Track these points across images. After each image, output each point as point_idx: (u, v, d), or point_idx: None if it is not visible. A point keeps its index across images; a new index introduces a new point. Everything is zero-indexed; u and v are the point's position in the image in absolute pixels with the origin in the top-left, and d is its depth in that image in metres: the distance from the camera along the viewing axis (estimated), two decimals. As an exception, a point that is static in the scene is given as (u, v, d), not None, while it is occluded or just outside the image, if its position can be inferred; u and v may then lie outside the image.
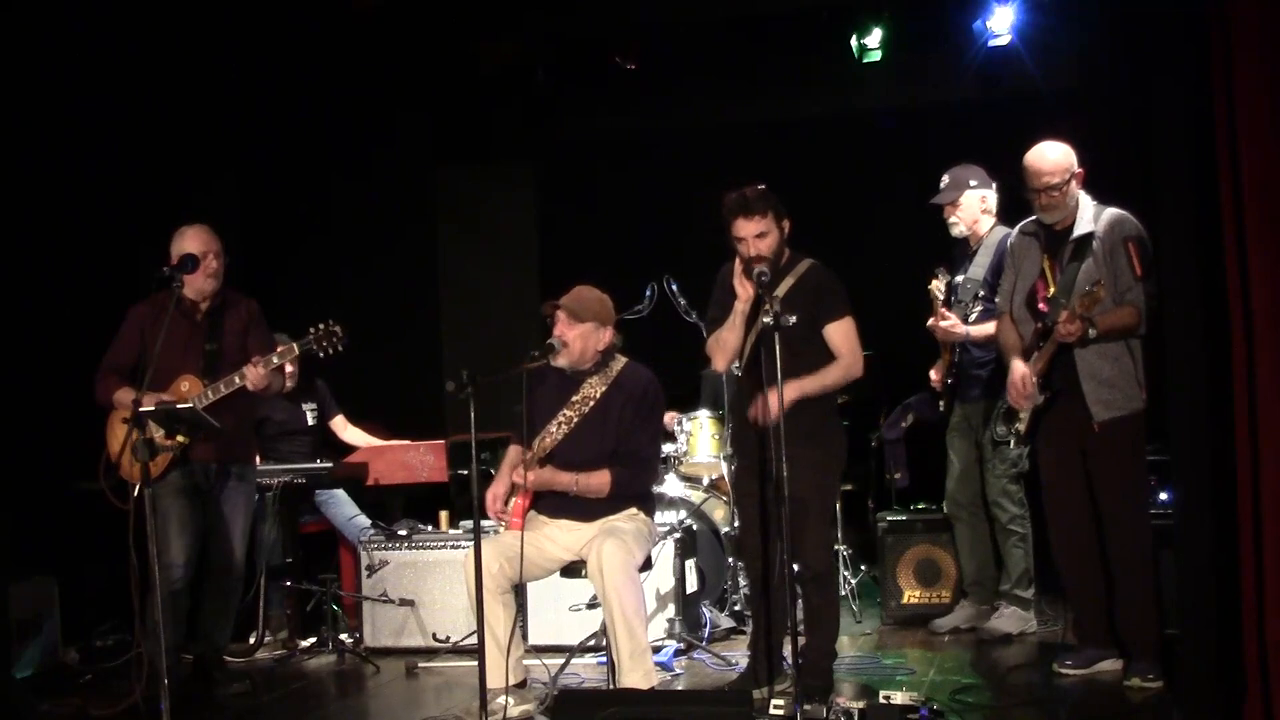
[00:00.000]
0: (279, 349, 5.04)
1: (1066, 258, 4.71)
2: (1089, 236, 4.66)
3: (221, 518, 5.14)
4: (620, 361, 4.78)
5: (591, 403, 4.68)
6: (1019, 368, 4.77)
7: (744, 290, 4.47)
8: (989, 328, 5.32)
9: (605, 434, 4.64)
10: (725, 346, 4.62)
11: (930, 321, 5.52)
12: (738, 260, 4.49)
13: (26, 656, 5.57)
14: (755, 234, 4.46)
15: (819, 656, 4.58)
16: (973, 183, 5.54)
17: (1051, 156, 4.72)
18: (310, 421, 6.50)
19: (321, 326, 5.05)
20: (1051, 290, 4.74)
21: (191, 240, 5.08)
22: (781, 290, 4.50)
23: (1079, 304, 4.52)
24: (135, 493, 4.36)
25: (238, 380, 4.95)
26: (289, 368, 6.13)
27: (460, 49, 7.42)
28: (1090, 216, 4.69)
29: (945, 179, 5.60)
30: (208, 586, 5.19)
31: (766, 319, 4.16)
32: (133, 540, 4.23)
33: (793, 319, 4.30)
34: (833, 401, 4.63)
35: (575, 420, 4.67)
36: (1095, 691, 4.65)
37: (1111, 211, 4.69)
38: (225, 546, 5.16)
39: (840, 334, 4.52)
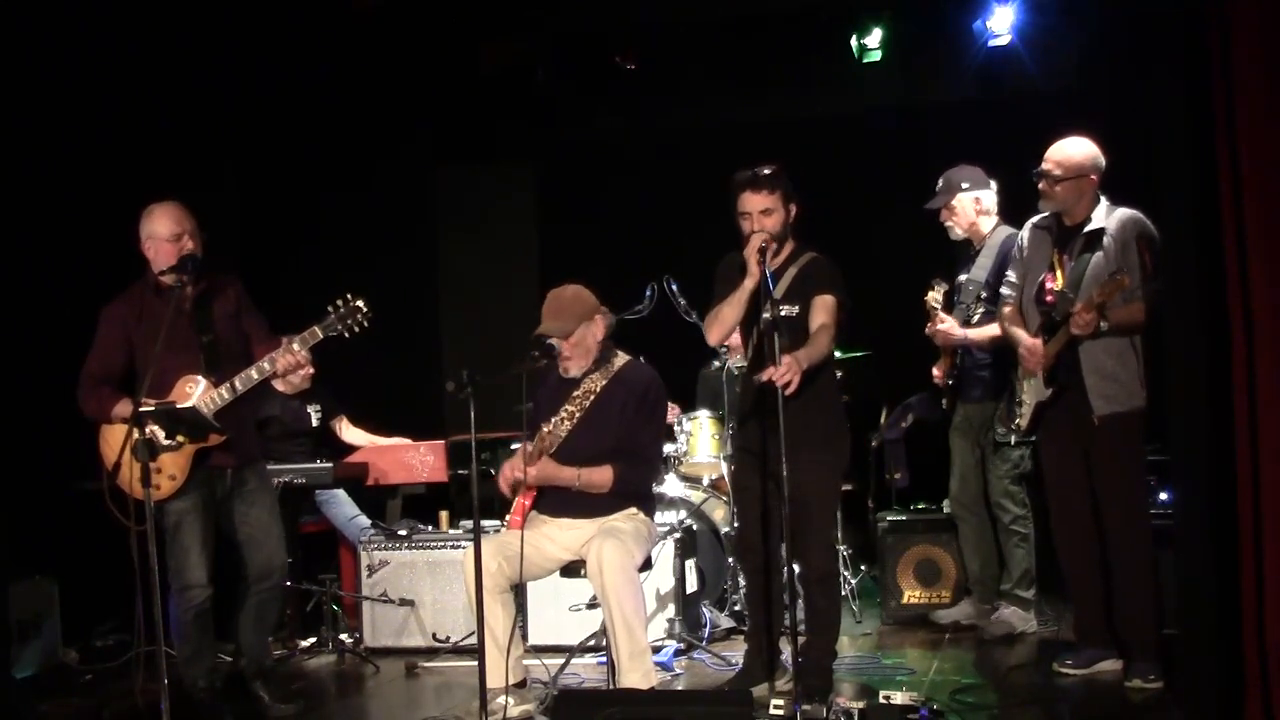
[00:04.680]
0: (303, 334, 4.53)
1: (1076, 252, 4.72)
2: (1100, 232, 4.67)
3: (255, 523, 4.72)
4: (621, 358, 4.78)
5: (592, 397, 4.68)
6: (1028, 338, 4.78)
7: (754, 272, 4.40)
8: (986, 331, 5.33)
9: (607, 429, 4.63)
10: (723, 321, 4.59)
11: (928, 328, 5.52)
12: (755, 239, 4.43)
13: (26, 656, 5.57)
14: (761, 209, 4.46)
15: (820, 656, 4.58)
16: (965, 185, 5.54)
17: (1065, 149, 4.74)
18: (314, 423, 6.51)
19: (341, 304, 4.51)
20: (1059, 284, 4.75)
21: (161, 220, 4.56)
22: (785, 282, 4.52)
23: (1098, 292, 4.51)
24: (149, 512, 4.03)
25: (255, 374, 4.52)
26: (309, 369, 6.11)
27: (461, 50, 7.42)
28: (1103, 214, 4.71)
29: (939, 182, 5.60)
30: (245, 596, 4.78)
31: (766, 315, 4.17)
32: (135, 544, 4.15)
33: (795, 309, 4.29)
34: (840, 403, 4.62)
35: (577, 415, 4.67)
36: (1095, 691, 4.65)
37: (1124, 210, 4.71)
38: (263, 553, 4.73)
39: (824, 305, 4.45)
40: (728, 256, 4.67)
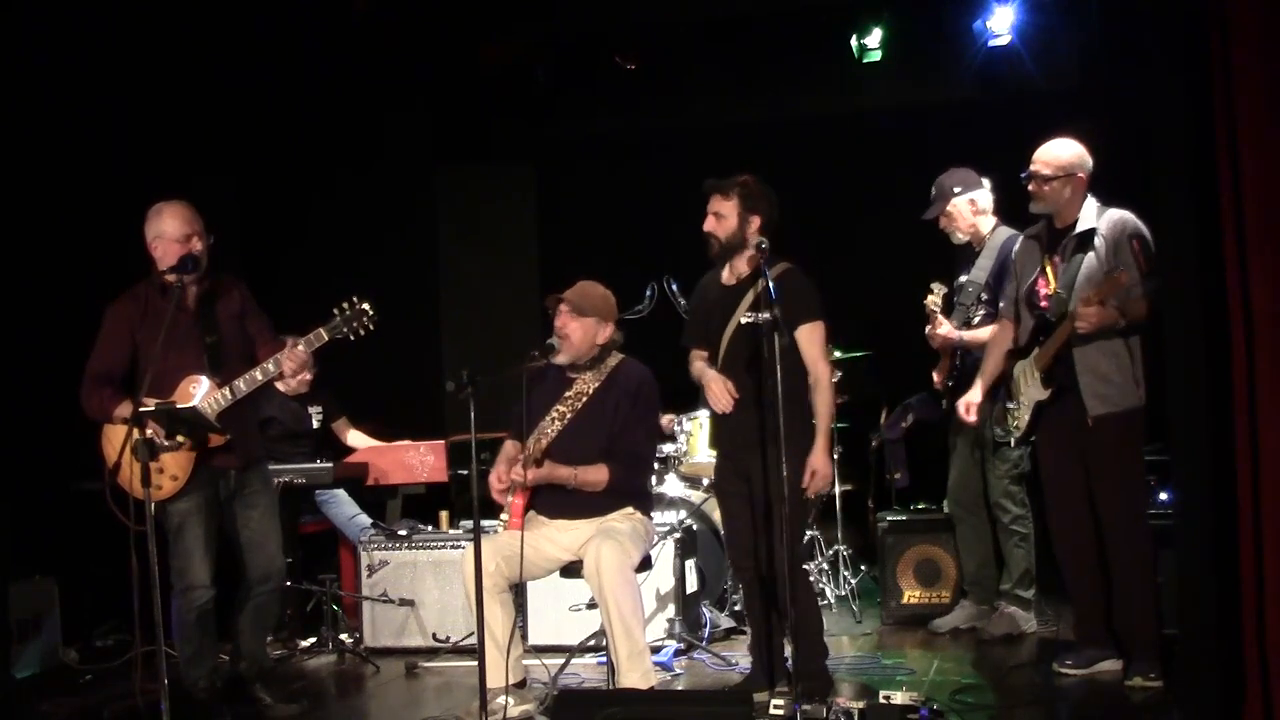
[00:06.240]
0: (308, 335, 4.51)
1: (1069, 253, 4.73)
2: (1091, 233, 4.68)
3: (255, 526, 4.72)
4: (616, 358, 4.80)
5: (584, 398, 4.70)
6: (976, 393, 5.11)
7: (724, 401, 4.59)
8: (984, 334, 5.32)
9: (598, 430, 4.65)
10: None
11: (928, 329, 5.52)
12: (713, 381, 4.60)
13: (26, 656, 5.57)
14: (713, 212, 4.62)
15: (806, 659, 4.54)
16: (957, 189, 5.54)
17: (1053, 150, 4.77)
18: (315, 425, 6.51)
19: (347, 306, 4.49)
20: (1052, 286, 4.75)
21: (171, 220, 4.54)
22: (754, 294, 4.53)
23: (1095, 291, 4.51)
24: (151, 512, 4.01)
25: (259, 376, 4.51)
26: (307, 375, 6.13)
27: (460, 49, 7.42)
28: (1093, 214, 4.72)
29: (932, 190, 5.60)
30: (245, 599, 4.78)
31: (746, 318, 4.33)
32: (134, 544, 4.15)
33: (766, 315, 4.32)
34: (807, 402, 4.61)
35: (568, 416, 4.69)
36: (1095, 691, 4.65)
37: (1115, 211, 4.72)
38: (263, 556, 4.72)
39: (809, 338, 4.55)
40: (702, 280, 4.81)
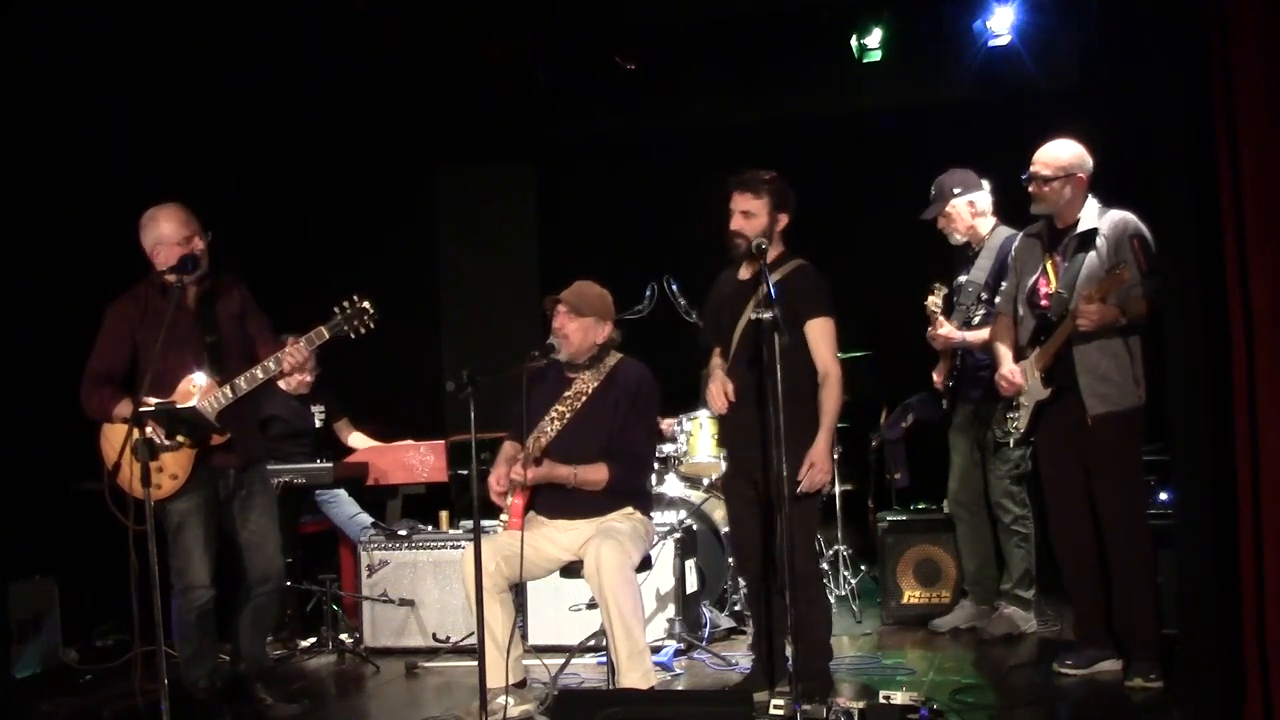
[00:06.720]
0: (309, 334, 4.53)
1: (1070, 253, 4.73)
2: (1092, 232, 4.68)
3: (254, 527, 4.72)
4: (615, 358, 4.80)
5: (584, 398, 4.70)
6: (1007, 365, 4.85)
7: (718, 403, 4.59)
8: (985, 334, 5.32)
9: (598, 429, 4.65)
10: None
11: (929, 331, 5.51)
12: (711, 380, 4.60)
13: (26, 656, 5.57)
14: (742, 210, 4.56)
15: (809, 660, 4.55)
16: (957, 190, 5.53)
17: (1052, 151, 4.77)
18: (317, 424, 6.51)
19: (348, 305, 4.51)
20: (1053, 286, 4.76)
21: (169, 224, 4.54)
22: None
23: (1098, 287, 4.51)
24: (151, 511, 4.02)
25: (259, 374, 4.51)
26: (307, 376, 6.14)
27: (460, 49, 7.42)
28: (1094, 214, 4.72)
29: (932, 190, 5.60)
30: (243, 599, 4.78)
31: (754, 315, 4.27)
32: (134, 544, 4.15)
33: (768, 314, 4.33)
34: (814, 403, 4.59)
35: (567, 415, 4.69)
36: (1095, 691, 4.65)
37: (1115, 211, 4.73)
38: (262, 557, 4.72)
39: (819, 332, 4.53)
40: (720, 276, 4.77)
